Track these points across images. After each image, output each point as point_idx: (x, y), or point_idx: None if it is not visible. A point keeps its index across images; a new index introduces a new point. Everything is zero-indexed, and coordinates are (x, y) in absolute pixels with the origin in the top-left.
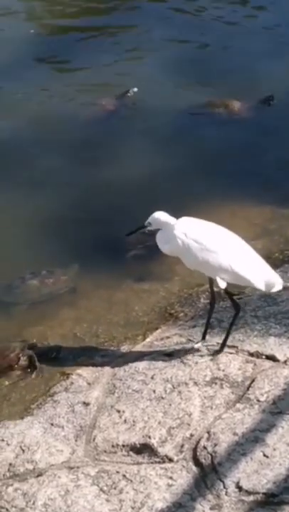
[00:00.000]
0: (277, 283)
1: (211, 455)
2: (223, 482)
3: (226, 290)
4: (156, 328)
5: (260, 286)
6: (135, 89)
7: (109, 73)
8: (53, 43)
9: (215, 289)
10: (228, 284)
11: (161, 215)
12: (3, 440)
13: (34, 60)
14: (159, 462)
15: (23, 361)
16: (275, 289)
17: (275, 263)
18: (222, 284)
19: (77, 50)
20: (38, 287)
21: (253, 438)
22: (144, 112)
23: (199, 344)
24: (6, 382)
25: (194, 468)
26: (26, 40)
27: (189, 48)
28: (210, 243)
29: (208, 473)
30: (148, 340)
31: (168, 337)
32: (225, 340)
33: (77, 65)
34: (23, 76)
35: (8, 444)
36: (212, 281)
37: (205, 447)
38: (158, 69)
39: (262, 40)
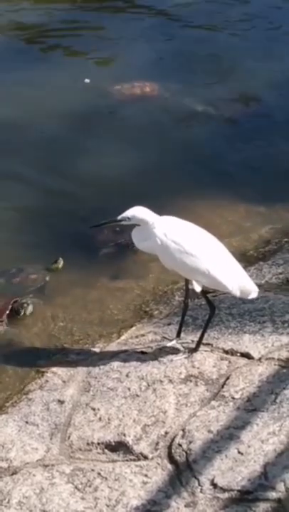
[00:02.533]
0: (253, 290)
1: (186, 452)
2: (198, 479)
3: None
4: (131, 326)
5: (236, 292)
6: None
7: (90, 67)
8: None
9: (189, 287)
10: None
11: (141, 211)
12: None
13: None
14: (134, 460)
15: None
16: (250, 297)
17: (249, 260)
18: (197, 288)
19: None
20: (3, 285)
21: (228, 435)
22: (124, 109)
23: (174, 342)
24: None
25: (169, 465)
26: None
27: (175, 43)
28: (189, 246)
29: (183, 471)
30: (123, 338)
31: (143, 335)
32: (200, 338)
33: (56, 58)
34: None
35: None
36: (188, 280)
37: (180, 445)
38: (139, 64)
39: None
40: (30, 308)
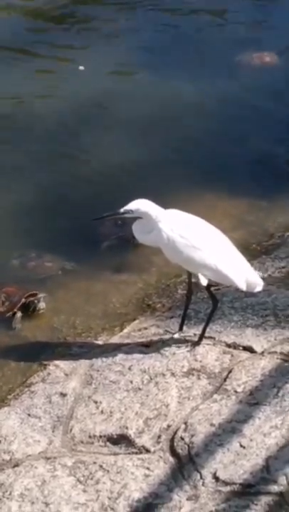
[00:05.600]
0: (258, 284)
1: (188, 446)
2: (200, 473)
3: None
4: (134, 320)
5: (242, 286)
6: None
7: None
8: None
9: (192, 281)
10: None
11: (145, 204)
12: None
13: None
14: (136, 453)
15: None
16: (255, 290)
17: (252, 254)
18: (203, 282)
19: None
20: (16, 268)
21: (230, 429)
22: (121, 101)
23: (176, 335)
24: None
25: (171, 458)
26: None
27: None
28: (196, 240)
29: (185, 464)
30: (125, 331)
31: (145, 328)
32: (203, 332)
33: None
34: None
35: None
36: (190, 274)
37: (182, 438)
38: (135, 55)
39: None
40: (42, 305)
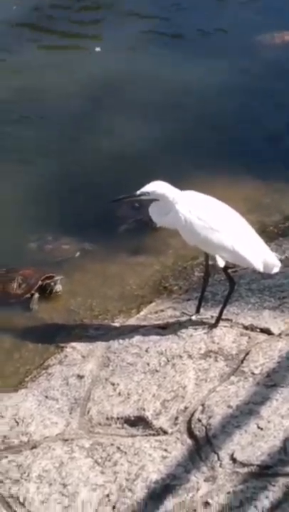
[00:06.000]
0: (275, 265)
1: (206, 427)
2: (217, 454)
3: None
4: (151, 302)
5: (259, 267)
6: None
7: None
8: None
9: (210, 263)
10: None
11: (162, 186)
12: None
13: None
14: (154, 435)
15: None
16: (273, 271)
17: (269, 236)
18: (221, 263)
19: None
20: (34, 251)
21: (248, 410)
22: (138, 81)
23: (193, 317)
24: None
25: (189, 440)
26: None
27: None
28: (213, 221)
29: (202, 446)
30: (142, 313)
31: (162, 310)
32: (220, 314)
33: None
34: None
35: (2, 417)
36: (208, 256)
37: (199, 420)
38: (152, 36)
39: None
40: (59, 287)
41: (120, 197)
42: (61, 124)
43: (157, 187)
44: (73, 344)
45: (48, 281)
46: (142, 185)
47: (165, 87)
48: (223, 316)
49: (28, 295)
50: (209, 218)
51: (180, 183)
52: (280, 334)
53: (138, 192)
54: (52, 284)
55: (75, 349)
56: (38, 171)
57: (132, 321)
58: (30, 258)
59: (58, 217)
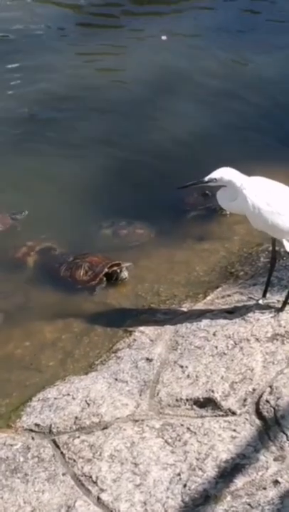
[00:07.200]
0: None
1: (274, 408)
2: (286, 434)
3: None
4: (217, 287)
5: None
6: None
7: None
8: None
9: (276, 248)
10: None
11: (229, 172)
12: (68, 394)
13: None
14: (223, 415)
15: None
16: None
17: None
18: (288, 248)
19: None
20: (109, 237)
21: None
22: (203, 69)
23: (260, 301)
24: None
25: (257, 421)
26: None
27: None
28: (281, 206)
29: (271, 426)
30: (209, 298)
31: (229, 295)
32: (286, 298)
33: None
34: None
35: (73, 398)
36: (275, 241)
37: (268, 401)
38: (217, 27)
39: None
40: (125, 274)
41: (188, 183)
42: (129, 111)
43: (225, 173)
44: (141, 328)
45: (114, 269)
46: (210, 171)
47: (232, 75)
48: None
49: (95, 282)
50: (277, 203)
51: (247, 169)
52: None
53: (206, 178)
54: (118, 271)
55: (144, 333)
56: (107, 158)
57: (199, 306)
58: (104, 244)
59: (128, 204)
